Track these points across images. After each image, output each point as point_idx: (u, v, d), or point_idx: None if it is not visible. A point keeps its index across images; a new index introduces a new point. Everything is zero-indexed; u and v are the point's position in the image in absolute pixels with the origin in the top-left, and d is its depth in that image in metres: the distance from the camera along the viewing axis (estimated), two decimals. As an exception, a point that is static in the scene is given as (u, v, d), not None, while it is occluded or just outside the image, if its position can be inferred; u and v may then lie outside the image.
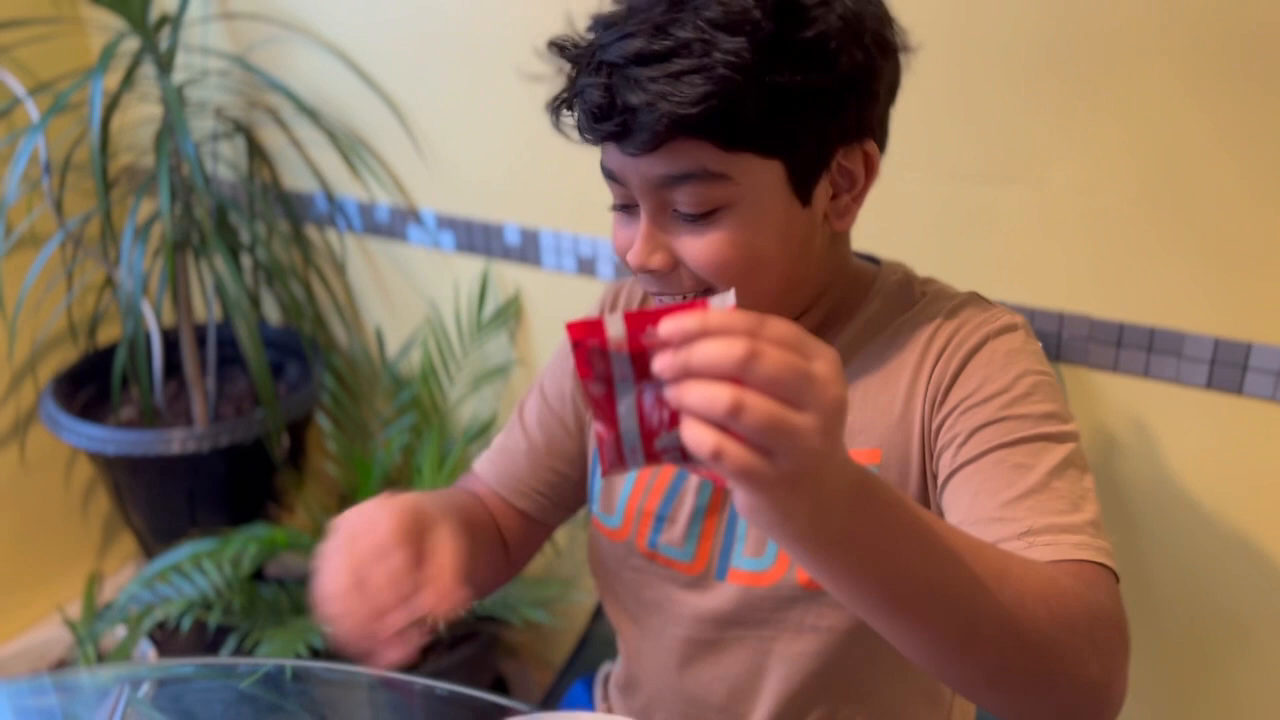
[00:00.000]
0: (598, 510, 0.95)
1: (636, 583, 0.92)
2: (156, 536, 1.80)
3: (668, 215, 0.77)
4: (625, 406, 0.54)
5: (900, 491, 0.60)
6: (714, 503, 0.87)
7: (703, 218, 0.75)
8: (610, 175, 0.79)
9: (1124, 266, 1.20)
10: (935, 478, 0.80)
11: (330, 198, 1.78)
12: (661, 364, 0.50)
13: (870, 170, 0.80)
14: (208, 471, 1.73)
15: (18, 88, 1.63)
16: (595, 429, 0.55)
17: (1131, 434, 1.26)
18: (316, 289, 1.85)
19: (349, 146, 1.71)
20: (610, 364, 0.53)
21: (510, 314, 1.70)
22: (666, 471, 0.89)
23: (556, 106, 0.80)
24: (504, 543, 0.96)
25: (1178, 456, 1.24)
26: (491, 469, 0.99)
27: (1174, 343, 1.19)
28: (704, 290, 0.78)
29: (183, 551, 1.59)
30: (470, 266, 1.71)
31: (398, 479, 1.78)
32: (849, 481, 0.55)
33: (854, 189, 0.80)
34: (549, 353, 1.69)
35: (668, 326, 0.49)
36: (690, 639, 0.90)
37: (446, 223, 1.70)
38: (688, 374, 0.49)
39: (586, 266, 1.58)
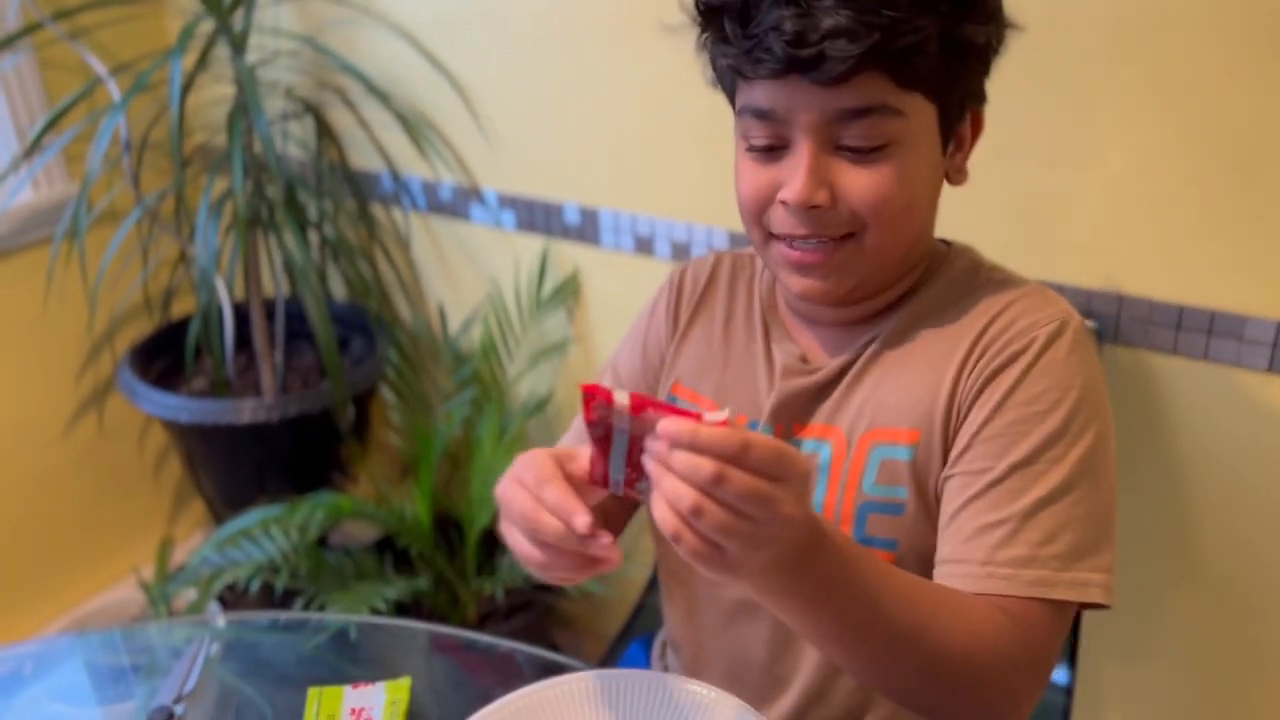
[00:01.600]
0: None
1: None
2: (226, 503, 1.87)
3: (830, 152, 0.77)
4: (618, 449, 0.65)
5: (847, 543, 0.68)
6: None
7: (870, 154, 0.77)
8: (763, 114, 0.78)
9: (1184, 248, 1.19)
10: (945, 464, 0.82)
11: (396, 177, 1.82)
12: (651, 449, 0.60)
13: (976, 131, 0.85)
14: (276, 441, 1.79)
15: (100, 68, 1.69)
16: (590, 454, 0.67)
17: (1190, 418, 1.25)
18: (381, 266, 1.89)
19: (415, 127, 1.75)
20: (612, 417, 0.63)
21: (569, 292, 1.73)
22: None
23: (717, 39, 0.80)
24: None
25: (1238, 441, 1.23)
26: None
27: (1235, 325, 1.18)
28: (850, 234, 0.80)
29: (252, 517, 1.65)
30: (530, 245, 1.74)
31: (458, 451, 1.82)
32: (796, 548, 0.64)
33: (963, 148, 0.85)
34: (606, 330, 1.71)
35: (667, 426, 0.59)
36: (735, 599, 0.92)
37: (508, 202, 1.73)
38: (667, 467, 0.59)
39: (644, 246, 1.60)
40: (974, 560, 0.76)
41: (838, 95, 0.75)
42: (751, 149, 0.81)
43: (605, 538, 0.65)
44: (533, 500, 0.68)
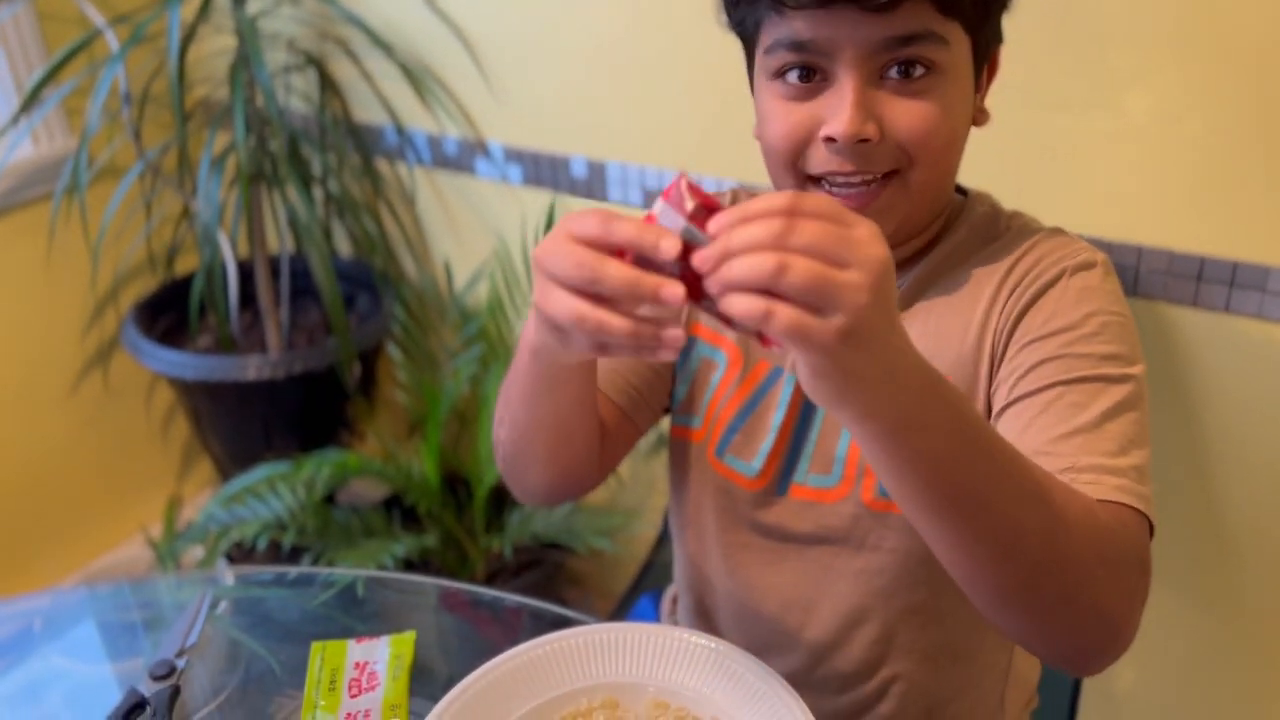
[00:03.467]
0: (678, 412, 0.95)
1: (701, 487, 0.94)
2: (233, 461, 1.86)
3: (874, 84, 0.75)
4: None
5: (958, 388, 0.62)
6: (788, 420, 0.88)
7: (914, 84, 0.75)
8: (801, 47, 0.75)
9: (1206, 197, 1.16)
10: (991, 407, 0.80)
11: (400, 130, 1.79)
12: (701, 257, 0.53)
13: (992, 72, 0.84)
14: (282, 398, 1.78)
15: (98, 18, 1.66)
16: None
17: (1211, 371, 1.23)
18: (386, 221, 1.87)
19: (419, 79, 1.72)
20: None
21: (576, 247, 1.70)
22: (750, 381, 0.89)
23: None
24: (603, 428, 0.97)
25: (1261, 395, 1.21)
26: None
27: (1258, 277, 1.15)
28: (894, 171, 0.77)
29: (258, 474, 1.64)
30: (537, 199, 1.71)
31: (466, 408, 1.81)
32: (915, 363, 0.57)
33: (982, 89, 0.83)
34: (615, 286, 1.69)
35: (718, 221, 0.54)
36: (746, 548, 0.91)
37: (514, 155, 1.70)
38: (729, 256, 0.52)
39: (653, 199, 1.58)
40: (1053, 470, 0.70)
41: (883, 23, 0.72)
42: (784, 83, 0.77)
43: (681, 289, 0.55)
44: (594, 251, 0.56)
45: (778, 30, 0.76)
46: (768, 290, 0.52)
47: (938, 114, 0.75)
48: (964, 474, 0.61)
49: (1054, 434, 0.73)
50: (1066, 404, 0.74)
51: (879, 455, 0.60)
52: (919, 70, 0.74)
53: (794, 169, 0.79)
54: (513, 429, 0.86)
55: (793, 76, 0.77)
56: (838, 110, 0.74)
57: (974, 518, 0.62)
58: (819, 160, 0.77)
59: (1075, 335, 0.76)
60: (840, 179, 0.77)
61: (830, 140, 0.75)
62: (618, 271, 0.56)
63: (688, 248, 0.55)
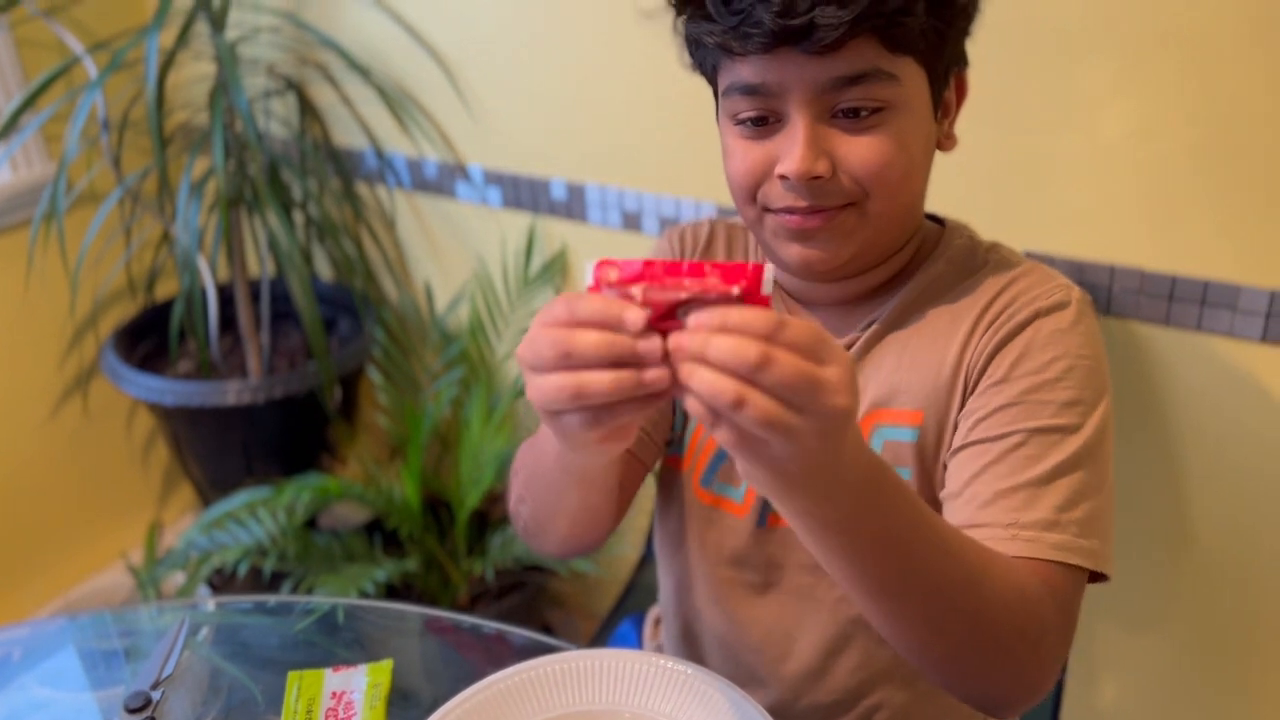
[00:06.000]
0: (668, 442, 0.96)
1: (687, 516, 0.94)
2: (214, 486, 1.85)
3: (825, 121, 0.76)
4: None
5: (904, 483, 0.64)
6: None
7: (865, 120, 0.75)
8: (753, 90, 0.76)
9: (1177, 217, 1.18)
10: (950, 441, 0.81)
11: (380, 154, 1.79)
12: (676, 345, 0.53)
13: (961, 95, 0.84)
14: (263, 422, 1.77)
15: (76, 45, 1.66)
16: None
17: (1183, 390, 1.24)
18: (367, 245, 1.87)
19: (397, 102, 1.72)
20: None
21: (556, 269, 1.71)
22: None
23: (695, 15, 0.78)
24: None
25: (1232, 412, 1.22)
26: None
27: (1229, 295, 1.17)
28: (851, 204, 0.78)
29: (239, 499, 1.64)
30: (517, 222, 1.72)
31: (447, 432, 1.81)
32: (859, 476, 0.59)
33: (949, 113, 0.84)
34: (595, 308, 1.70)
35: (699, 319, 0.53)
36: (730, 578, 0.91)
37: (494, 179, 1.71)
38: (702, 361, 0.52)
39: (632, 221, 1.59)
40: (997, 524, 0.74)
41: (830, 64, 0.73)
42: (741, 125, 0.79)
43: (657, 340, 0.54)
44: (565, 328, 0.55)
45: (731, 74, 0.78)
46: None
47: (891, 148, 0.76)
48: (895, 565, 0.64)
49: (1003, 485, 0.75)
50: (1021, 456, 0.76)
51: (811, 542, 0.63)
52: (865, 112, 0.75)
53: (753, 203, 0.81)
54: (536, 510, 0.86)
55: (748, 117, 0.78)
56: (790, 150, 0.76)
57: (903, 602, 0.66)
58: (776, 195, 0.79)
59: (1038, 381, 0.78)
60: (797, 212, 0.79)
61: (784, 178, 0.77)
62: (588, 337, 0.54)
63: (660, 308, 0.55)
